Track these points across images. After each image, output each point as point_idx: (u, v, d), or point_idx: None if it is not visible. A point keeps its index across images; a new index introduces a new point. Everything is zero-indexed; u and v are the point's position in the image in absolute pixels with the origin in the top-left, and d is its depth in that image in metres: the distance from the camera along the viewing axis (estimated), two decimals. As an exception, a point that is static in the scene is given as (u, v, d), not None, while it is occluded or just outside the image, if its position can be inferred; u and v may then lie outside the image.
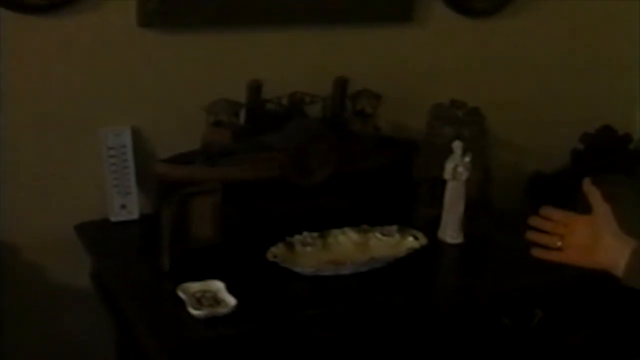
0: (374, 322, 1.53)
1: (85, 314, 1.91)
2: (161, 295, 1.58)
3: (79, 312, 1.92)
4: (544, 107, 2.40)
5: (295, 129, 1.85)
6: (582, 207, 1.35)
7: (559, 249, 1.37)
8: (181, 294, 1.50)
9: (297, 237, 1.73)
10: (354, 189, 1.92)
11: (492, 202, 2.00)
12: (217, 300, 1.49)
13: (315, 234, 1.75)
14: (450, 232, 1.83)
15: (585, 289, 1.73)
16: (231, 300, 1.48)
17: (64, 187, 1.86)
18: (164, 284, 1.58)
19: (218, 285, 1.53)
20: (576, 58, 2.41)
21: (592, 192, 1.33)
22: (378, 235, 1.78)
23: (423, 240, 1.75)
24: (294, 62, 2.01)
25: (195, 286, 1.53)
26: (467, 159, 1.80)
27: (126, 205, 1.88)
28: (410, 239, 1.76)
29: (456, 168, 1.80)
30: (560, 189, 2.21)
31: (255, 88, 1.85)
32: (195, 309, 1.46)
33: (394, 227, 1.79)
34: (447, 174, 1.81)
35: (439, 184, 1.83)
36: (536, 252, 1.38)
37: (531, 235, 1.40)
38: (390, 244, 1.76)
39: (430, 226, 1.83)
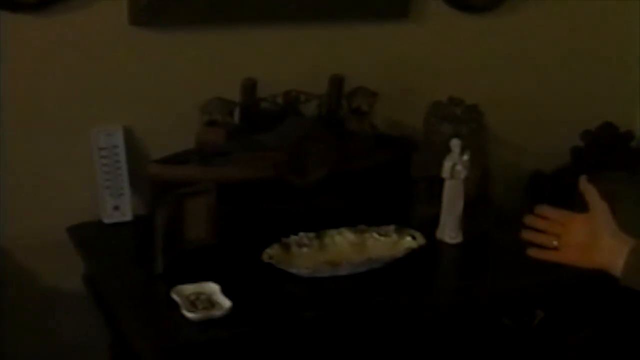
0: (371, 324, 1.53)
1: (78, 317, 1.90)
2: (155, 298, 1.57)
3: (72, 315, 1.91)
4: (544, 104, 2.40)
5: (290, 128, 1.85)
6: (583, 206, 1.34)
7: (555, 248, 1.37)
8: (175, 297, 1.50)
9: (293, 238, 1.73)
10: (351, 188, 1.92)
11: (491, 201, 2.00)
12: (211, 303, 1.49)
13: (311, 235, 1.75)
14: (449, 231, 1.83)
15: (587, 288, 1.73)
16: (226, 303, 1.48)
17: (56, 189, 1.86)
18: (158, 286, 1.58)
19: (213, 288, 1.53)
20: (576, 54, 2.41)
21: (588, 189, 1.33)
22: (375, 235, 1.78)
23: (421, 240, 1.75)
24: (289, 60, 2.01)
25: (189, 288, 1.52)
26: (465, 157, 1.80)
27: (119, 206, 1.88)
28: (408, 238, 1.76)
29: (454, 166, 1.80)
30: (561, 188, 2.21)
31: (249, 86, 1.85)
32: (190, 311, 1.45)
33: (392, 227, 1.79)
34: (445, 172, 1.81)
35: (437, 183, 1.83)
36: (532, 252, 1.38)
37: (527, 235, 1.40)
38: (387, 244, 1.76)
39: (429, 226, 1.83)
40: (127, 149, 1.86)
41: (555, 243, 1.36)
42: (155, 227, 1.60)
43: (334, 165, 1.86)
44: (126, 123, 1.88)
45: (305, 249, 1.72)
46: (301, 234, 1.74)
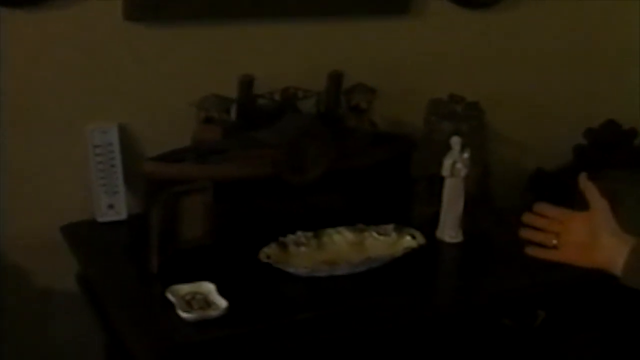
0: (370, 325, 1.53)
1: (72, 317, 1.91)
2: (150, 298, 1.57)
3: (66, 316, 1.91)
4: (546, 102, 2.40)
5: (288, 125, 1.85)
6: (583, 204, 1.35)
7: (554, 247, 1.37)
8: (170, 297, 1.49)
9: (290, 237, 1.73)
10: (349, 186, 1.92)
11: (492, 199, 2.00)
12: (207, 303, 1.49)
13: (309, 234, 1.75)
14: (449, 230, 1.83)
15: (590, 288, 1.73)
16: (222, 303, 1.48)
17: (49, 187, 1.86)
18: (153, 286, 1.58)
19: (209, 287, 1.53)
20: (578, 51, 2.41)
21: (589, 187, 1.33)
22: (374, 234, 1.78)
23: (421, 239, 1.75)
24: (287, 56, 2.01)
25: (185, 288, 1.52)
26: (465, 155, 1.80)
27: (114, 205, 1.87)
28: (408, 238, 1.76)
29: (455, 164, 1.80)
30: (563, 187, 2.21)
31: (246, 83, 1.85)
32: (185, 311, 1.45)
33: (391, 226, 1.79)
34: (446, 170, 1.81)
35: (437, 181, 1.83)
36: (531, 251, 1.38)
37: (525, 233, 1.40)
38: (387, 243, 1.76)
39: (428, 225, 1.83)
40: (122, 147, 1.86)
41: (554, 242, 1.37)
42: (150, 226, 1.60)
43: (332, 163, 1.86)
44: (121, 120, 1.88)
45: (303, 248, 1.72)
46: (299, 232, 1.74)
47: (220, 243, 1.72)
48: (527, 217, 1.40)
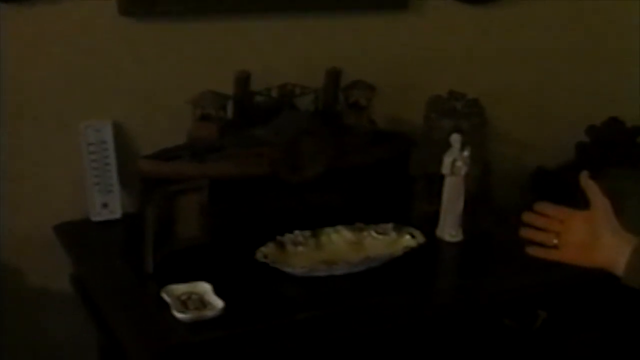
0: (369, 325, 1.53)
1: (65, 318, 1.91)
2: (145, 299, 1.57)
3: (59, 316, 1.92)
4: (547, 99, 2.41)
5: (285, 123, 1.85)
6: (586, 203, 1.35)
7: (555, 246, 1.37)
8: (166, 297, 1.49)
9: (288, 236, 1.73)
10: (348, 185, 1.92)
11: (493, 198, 2.00)
12: (203, 303, 1.49)
13: (307, 233, 1.75)
14: (449, 229, 1.83)
15: (591, 288, 1.73)
16: (218, 303, 1.48)
17: (42, 186, 1.86)
18: (148, 286, 1.58)
19: (205, 287, 1.53)
20: (581, 47, 2.41)
21: (590, 186, 1.33)
22: (373, 233, 1.78)
23: (420, 238, 1.75)
24: (284, 52, 2.01)
25: (180, 288, 1.52)
26: (466, 153, 1.80)
27: (108, 204, 1.87)
28: (407, 237, 1.76)
29: (455, 163, 1.80)
30: (564, 185, 2.21)
31: (243, 79, 1.84)
32: (181, 312, 1.45)
33: (390, 225, 1.79)
34: (445, 168, 1.81)
35: (437, 180, 1.83)
36: (531, 250, 1.38)
37: (525, 233, 1.40)
38: (386, 242, 1.76)
39: (428, 224, 1.83)
40: (116, 145, 1.86)
41: (555, 241, 1.37)
42: (145, 225, 1.60)
43: (330, 162, 1.86)
44: (116, 117, 1.88)
45: (300, 248, 1.72)
46: (297, 232, 1.74)
47: (216, 242, 1.72)
48: (527, 216, 1.40)
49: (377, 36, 2.12)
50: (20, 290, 1.89)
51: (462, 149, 1.80)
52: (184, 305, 1.48)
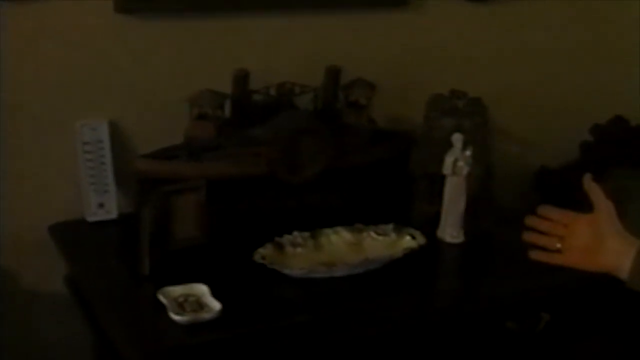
0: (369, 327, 1.53)
1: (60, 320, 1.91)
2: (141, 300, 1.58)
3: (54, 318, 1.91)
4: (551, 97, 2.40)
5: (284, 122, 1.85)
6: (590, 207, 1.34)
7: (558, 250, 1.37)
8: (162, 299, 1.49)
9: (286, 237, 1.73)
10: (347, 185, 1.92)
11: (495, 198, 2.00)
12: (200, 305, 1.49)
13: (306, 234, 1.75)
14: (450, 230, 1.83)
15: (595, 291, 1.73)
16: (216, 305, 1.48)
17: (37, 186, 1.86)
18: (144, 288, 1.58)
19: (202, 289, 1.53)
20: (584, 45, 2.41)
21: (593, 188, 1.33)
22: (373, 234, 1.78)
23: (421, 239, 1.75)
24: (283, 50, 2.01)
25: (177, 290, 1.52)
26: (467, 153, 1.80)
27: (104, 204, 1.88)
28: (408, 238, 1.76)
29: (456, 162, 1.80)
30: (568, 185, 2.21)
31: (241, 78, 1.84)
32: (177, 314, 1.45)
33: (390, 226, 1.79)
34: (447, 168, 1.81)
35: (438, 180, 1.83)
36: (534, 255, 1.38)
37: (528, 237, 1.40)
38: (386, 243, 1.76)
39: (429, 225, 1.83)
40: (112, 144, 1.86)
41: (558, 245, 1.37)
42: (141, 226, 1.60)
43: (330, 161, 1.86)
44: (112, 116, 1.88)
45: (299, 249, 1.72)
46: (295, 233, 1.74)
47: (213, 243, 1.71)
48: (530, 220, 1.40)
49: (377, 34, 2.12)
50: (14, 292, 1.89)
51: (464, 148, 1.80)
52: (180, 307, 1.48)
